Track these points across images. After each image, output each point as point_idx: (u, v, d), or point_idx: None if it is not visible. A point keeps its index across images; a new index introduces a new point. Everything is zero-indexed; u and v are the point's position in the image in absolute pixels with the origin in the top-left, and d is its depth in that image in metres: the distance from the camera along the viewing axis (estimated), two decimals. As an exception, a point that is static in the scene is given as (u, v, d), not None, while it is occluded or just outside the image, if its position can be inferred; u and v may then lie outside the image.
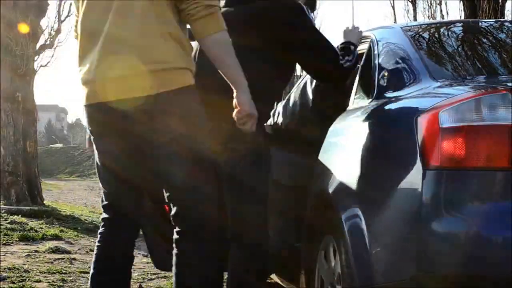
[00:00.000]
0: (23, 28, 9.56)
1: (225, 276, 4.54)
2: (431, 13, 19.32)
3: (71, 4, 16.00)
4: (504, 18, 13.60)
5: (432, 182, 1.99)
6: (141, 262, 5.66)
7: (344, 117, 2.83)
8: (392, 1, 20.76)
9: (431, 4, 19.40)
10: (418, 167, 2.02)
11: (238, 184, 2.80)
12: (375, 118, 2.49)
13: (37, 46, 10.94)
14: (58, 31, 13.85)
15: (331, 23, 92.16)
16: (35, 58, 10.60)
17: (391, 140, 2.27)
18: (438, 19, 18.84)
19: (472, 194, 1.97)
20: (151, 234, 3.34)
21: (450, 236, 1.96)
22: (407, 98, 2.37)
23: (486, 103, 1.97)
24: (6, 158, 9.50)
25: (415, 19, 19.68)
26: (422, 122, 2.06)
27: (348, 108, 2.91)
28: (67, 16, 13.90)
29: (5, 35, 9.45)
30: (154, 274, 4.84)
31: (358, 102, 2.84)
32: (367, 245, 2.23)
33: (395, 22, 20.56)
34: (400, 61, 2.68)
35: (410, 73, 2.55)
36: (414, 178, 2.04)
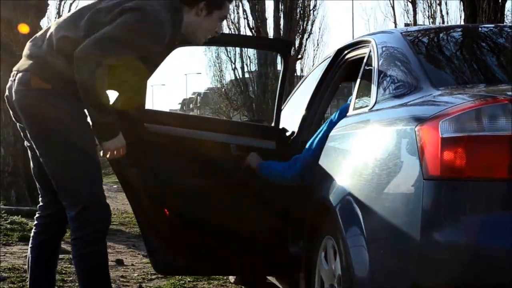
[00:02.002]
0: (23, 28, 9.54)
1: (226, 277, 4.56)
2: (431, 13, 19.33)
3: (71, 4, 15.99)
4: (504, 18, 13.58)
5: (432, 191, 2.00)
6: (141, 262, 5.65)
7: (345, 123, 2.84)
8: (392, 1, 20.76)
9: (431, 4, 19.41)
10: (418, 176, 2.03)
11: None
12: (376, 125, 2.49)
13: (37, 46, 10.92)
14: (58, 31, 13.80)
15: (331, 23, 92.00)
16: (35, 58, 10.57)
17: (391, 148, 2.27)
18: (438, 19, 18.81)
19: (472, 204, 1.97)
20: (151, 236, 3.35)
21: (449, 246, 1.96)
22: (407, 106, 2.37)
23: (486, 113, 1.98)
24: (6, 158, 9.48)
25: (415, 19, 19.67)
26: (423, 131, 2.06)
27: (349, 114, 2.92)
28: (67, 16, 13.85)
29: (5, 35, 9.44)
30: (154, 274, 4.83)
31: (359, 108, 2.84)
32: (367, 249, 2.25)
33: (395, 22, 20.51)
34: (400, 68, 2.68)
35: (410, 80, 2.56)
36: (414, 187, 2.05)
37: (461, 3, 13.34)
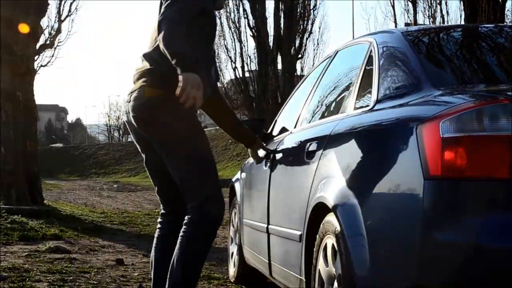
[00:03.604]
0: (23, 28, 9.55)
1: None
2: (431, 13, 19.32)
3: (71, 4, 15.98)
4: (504, 17, 13.59)
5: (433, 191, 2.00)
6: (141, 262, 5.66)
7: (345, 123, 2.84)
8: (392, 1, 20.76)
9: (431, 4, 19.40)
10: (419, 176, 2.03)
11: None
12: (376, 125, 2.50)
13: (37, 46, 10.95)
14: (58, 31, 13.84)
15: (331, 22, 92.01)
16: (35, 58, 10.61)
17: (392, 147, 2.27)
18: (438, 19, 18.81)
19: (473, 204, 1.97)
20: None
21: (450, 246, 1.96)
22: (408, 106, 2.37)
23: (487, 113, 1.98)
24: (6, 158, 9.50)
25: (415, 19, 19.66)
26: (423, 131, 2.07)
27: (349, 114, 2.92)
28: (67, 16, 13.88)
29: (5, 35, 9.45)
30: (154, 274, 4.84)
31: (359, 108, 2.84)
32: (368, 248, 2.25)
33: (395, 21, 20.50)
34: (401, 67, 2.68)
35: (411, 80, 2.56)
36: (415, 187, 2.05)
37: (461, 2, 13.34)
